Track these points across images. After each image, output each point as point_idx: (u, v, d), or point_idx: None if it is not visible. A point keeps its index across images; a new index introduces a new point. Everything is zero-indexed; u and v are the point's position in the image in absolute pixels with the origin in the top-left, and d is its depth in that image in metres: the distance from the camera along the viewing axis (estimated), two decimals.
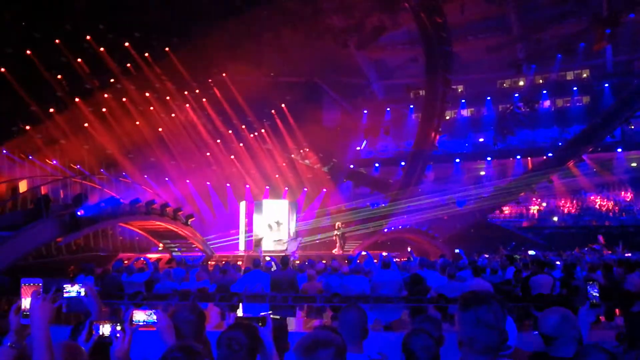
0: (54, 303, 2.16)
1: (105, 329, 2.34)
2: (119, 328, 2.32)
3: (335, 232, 22.05)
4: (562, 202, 31.50)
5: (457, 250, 14.31)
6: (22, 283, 2.20)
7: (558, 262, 11.40)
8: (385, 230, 24.42)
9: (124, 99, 24.29)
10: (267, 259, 13.04)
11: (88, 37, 22.22)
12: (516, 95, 34.08)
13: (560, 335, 2.68)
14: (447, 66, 26.95)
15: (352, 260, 11.31)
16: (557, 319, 2.72)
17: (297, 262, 9.99)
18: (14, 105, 20.23)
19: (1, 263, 11.64)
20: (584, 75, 34.69)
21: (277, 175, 29.92)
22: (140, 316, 2.48)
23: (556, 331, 2.69)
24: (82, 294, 2.56)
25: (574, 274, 9.12)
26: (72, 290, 2.52)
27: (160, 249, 19.64)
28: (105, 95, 23.65)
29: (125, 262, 11.57)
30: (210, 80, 27.19)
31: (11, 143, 20.43)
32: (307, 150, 31.87)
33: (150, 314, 2.52)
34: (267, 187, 28.46)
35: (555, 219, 30.78)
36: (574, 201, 31.36)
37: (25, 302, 2.16)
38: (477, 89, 35.26)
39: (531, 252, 18.80)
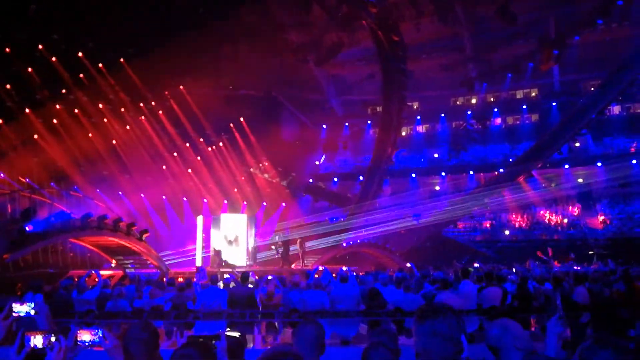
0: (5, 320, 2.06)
1: (38, 340, 2.25)
2: (53, 339, 2.23)
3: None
4: (513, 216, 32.47)
5: (408, 264, 14.52)
6: None
7: (511, 276, 11.73)
8: (344, 244, 24.53)
9: (76, 110, 23.61)
10: (226, 276, 12.85)
11: (40, 47, 21.55)
12: (469, 112, 35.11)
13: (502, 346, 2.77)
14: (403, 83, 27.58)
15: (310, 275, 11.28)
16: (497, 330, 2.81)
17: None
18: None
19: None
20: (533, 94, 36.10)
21: (235, 190, 29.65)
22: (86, 336, 2.41)
23: (498, 342, 2.79)
24: (32, 313, 2.47)
25: (526, 287, 9.42)
26: (22, 309, 2.43)
27: (113, 265, 19.05)
28: (57, 106, 22.94)
29: (75, 279, 11.16)
30: (166, 92, 26.76)
31: None
32: (266, 164, 31.77)
33: (97, 333, 2.46)
34: (225, 202, 28.12)
35: (507, 232, 31.67)
36: (525, 215, 32.36)
37: None
38: (431, 106, 36.14)
39: (476, 265, 19.29)
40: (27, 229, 13.52)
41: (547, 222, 31.86)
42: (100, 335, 2.52)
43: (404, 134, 34.86)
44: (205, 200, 27.56)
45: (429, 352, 2.14)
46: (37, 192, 18.21)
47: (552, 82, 34.22)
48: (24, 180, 20.81)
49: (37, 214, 14.55)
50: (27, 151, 21.81)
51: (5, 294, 9.88)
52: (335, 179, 36.04)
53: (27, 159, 21.71)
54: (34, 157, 22.30)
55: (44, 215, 14.88)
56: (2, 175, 20.42)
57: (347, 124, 37.68)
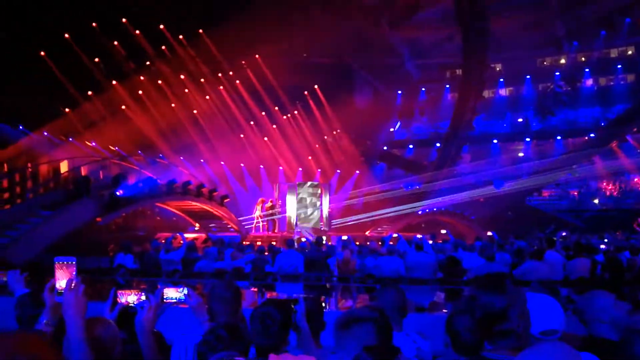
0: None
1: (131, 299, 2.34)
2: (144, 298, 2.31)
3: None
4: (604, 184, 30.51)
5: (489, 233, 14.02)
6: (55, 261, 2.12)
7: (603, 246, 11.04)
8: (420, 212, 24.15)
9: (159, 82, 24.62)
10: (303, 239, 13.09)
11: (124, 20, 22.51)
12: (557, 73, 32.96)
13: (592, 319, 2.66)
14: (484, 44, 26.17)
15: (385, 242, 11.21)
16: (586, 302, 2.71)
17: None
18: (53, 88, 20.80)
19: (43, 241, 12.03)
20: (629, 52, 33.17)
21: (310, 157, 29.90)
22: (172, 293, 2.49)
23: (587, 314, 2.68)
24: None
25: (617, 258, 8.82)
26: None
27: (196, 228, 19.98)
28: (142, 78, 24.01)
29: (162, 241, 11.78)
30: (243, 62, 27.22)
31: (51, 125, 21.05)
32: (340, 131, 31.68)
33: (182, 291, 2.53)
34: (300, 169, 28.47)
35: (596, 201, 29.86)
36: (616, 183, 30.32)
37: (60, 283, 2.06)
38: (516, 67, 34.11)
39: (563, 234, 18.45)
40: (117, 194, 14.38)
41: None
42: (186, 293, 2.60)
43: (485, 97, 33.37)
44: (281, 168, 28.06)
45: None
46: (126, 159, 19.27)
47: None
48: (113, 148, 22.12)
49: (127, 180, 15.40)
50: (115, 121, 23.09)
51: (99, 255, 10.63)
52: (411, 146, 35.36)
53: (116, 128, 23.00)
54: (122, 127, 23.60)
55: (132, 181, 15.72)
56: (94, 144, 21.84)
57: (423, 89, 36.56)
